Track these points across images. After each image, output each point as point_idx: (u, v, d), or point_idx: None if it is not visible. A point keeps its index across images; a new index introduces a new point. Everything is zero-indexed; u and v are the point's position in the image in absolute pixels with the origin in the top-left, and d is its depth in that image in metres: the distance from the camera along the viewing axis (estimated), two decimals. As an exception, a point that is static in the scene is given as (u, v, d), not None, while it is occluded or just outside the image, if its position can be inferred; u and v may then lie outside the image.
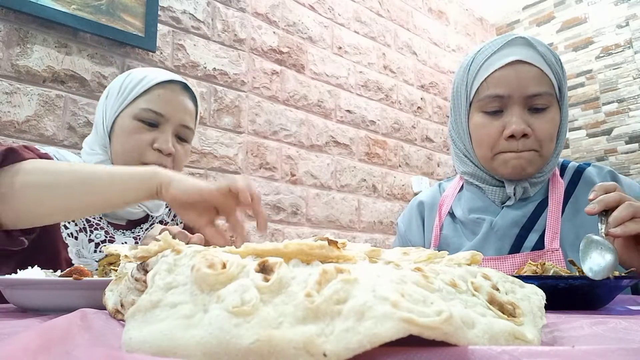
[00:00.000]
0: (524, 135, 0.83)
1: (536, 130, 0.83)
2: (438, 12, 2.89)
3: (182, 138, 0.94)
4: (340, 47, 2.30)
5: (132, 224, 0.95)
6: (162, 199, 0.66)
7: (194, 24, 1.78)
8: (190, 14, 1.77)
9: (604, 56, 2.75)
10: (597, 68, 2.76)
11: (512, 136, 0.83)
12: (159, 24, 1.66)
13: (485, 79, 0.86)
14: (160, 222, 0.99)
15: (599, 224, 0.63)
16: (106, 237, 0.89)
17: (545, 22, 3.04)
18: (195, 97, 0.98)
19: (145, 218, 0.97)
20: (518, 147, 0.83)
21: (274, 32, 2.04)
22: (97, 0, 1.51)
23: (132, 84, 0.92)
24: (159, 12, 1.67)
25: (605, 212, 0.63)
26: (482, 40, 3.17)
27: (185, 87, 0.96)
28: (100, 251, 0.86)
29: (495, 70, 0.85)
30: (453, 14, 3.00)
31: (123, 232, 0.92)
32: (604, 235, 0.60)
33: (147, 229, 0.96)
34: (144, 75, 0.93)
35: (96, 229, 0.88)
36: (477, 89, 0.87)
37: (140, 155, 0.89)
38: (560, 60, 0.88)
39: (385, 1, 2.57)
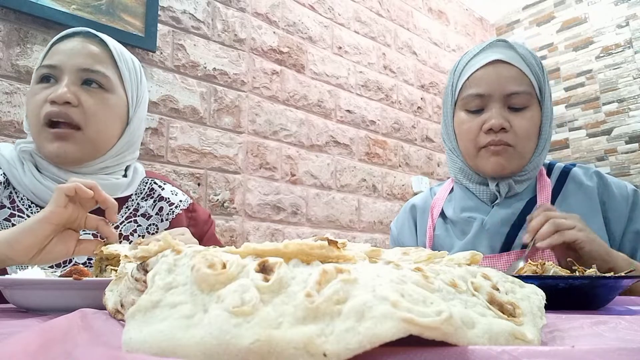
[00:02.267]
0: (502, 129, 0.87)
1: (515, 126, 0.88)
2: (438, 12, 2.89)
3: (91, 83, 0.82)
4: (340, 47, 2.30)
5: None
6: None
7: (194, 24, 1.78)
8: (190, 14, 1.77)
9: (604, 56, 2.75)
10: (597, 68, 2.76)
11: (491, 130, 0.88)
12: (159, 24, 1.66)
13: (468, 78, 0.91)
14: (143, 215, 0.92)
15: (527, 248, 0.78)
16: None
17: (545, 22, 3.04)
18: (104, 40, 0.86)
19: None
20: (496, 138, 0.88)
21: (274, 32, 2.04)
22: (97, 0, 1.51)
23: (43, 53, 0.85)
24: (159, 12, 1.67)
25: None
26: (482, 40, 3.17)
27: (90, 35, 0.86)
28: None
29: (477, 70, 0.90)
30: (453, 14, 3.00)
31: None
32: (526, 257, 0.77)
33: (122, 222, 0.88)
34: (53, 39, 0.86)
35: None
36: (461, 88, 0.93)
37: (39, 114, 0.79)
38: (541, 62, 0.92)
39: (385, 1, 2.57)
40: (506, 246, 0.88)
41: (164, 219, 0.93)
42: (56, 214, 0.61)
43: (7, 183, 0.81)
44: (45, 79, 0.80)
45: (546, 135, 0.92)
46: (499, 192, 0.92)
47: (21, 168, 0.80)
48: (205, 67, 1.79)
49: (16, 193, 0.81)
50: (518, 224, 0.89)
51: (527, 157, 0.90)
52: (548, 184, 0.92)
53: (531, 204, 0.90)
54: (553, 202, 0.90)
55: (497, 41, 0.92)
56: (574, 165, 0.97)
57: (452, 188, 1.03)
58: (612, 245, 0.85)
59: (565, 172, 0.95)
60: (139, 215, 0.91)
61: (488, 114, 0.89)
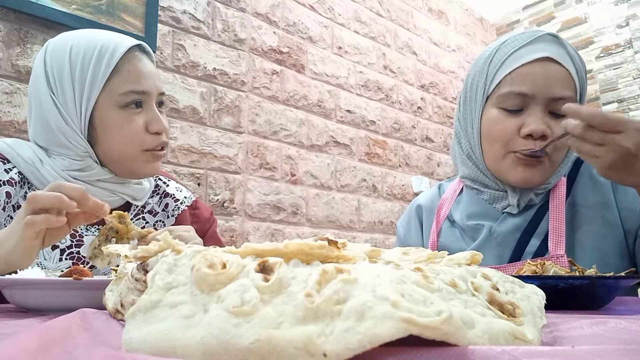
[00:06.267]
0: (542, 137, 0.79)
1: (555, 134, 0.79)
2: (438, 12, 2.89)
3: (162, 105, 0.87)
4: (340, 47, 2.30)
5: None
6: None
7: (194, 24, 1.78)
8: (190, 14, 1.77)
9: (604, 56, 2.75)
10: (597, 68, 2.76)
11: (529, 135, 0.79)
12: (159, 24, 1.66)
13: (510, 72, 0.81)
14: (150, 212, 0.91)
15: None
16: (72, 240, 0.79)
17: (545, 22, 3.04)
18: (151, 52, 0.88)
19: (126, 208, 0.88)
20: (535, 146, 0.79)
21: (274, 32, 2.04)
22: (97, 0, 1.51)
23: (91, 65, 0.78)
24: (159, 12, 1.67)
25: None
26: (482, 40, 3.17)
27: (141, 48, 0.85)
28: (66, 258, 0.78)
29: (522, 65, 0.80)
30: (453, 14, 3.00)
31: (98, 228, 0.81)
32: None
33: (132, 219, 0.88)
34: (96, 49, 0.79)
35: None
36: (499, 82, 0.82)
37: (141, 143, 0.82)
38: (585, 65, 0.84)
39: (385, 1, 2.57)
40: (516, 255, 0.82)
41: (170, 215, 0.94)
42: (27, 240, 0.58)
43: (23, 182, 0.79)
44: (135, 104, 0.81)
45: None
46: (518, 205, 0.85)
47: (40, 165, 0.79)
48: (205, 67, 1.79)
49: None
50: (529, 230, 0.83)
51: (555, 167, 0.84)
52: (562, 183, 0.86)
53: (543, 209, 0.84)
54: (566, 198, 0.84)
55: (545, 35, 0.82)
56: None
57: (462, 188, 0.97)
58: (628, 243, 0.80)
59: (577, 164, 0.89)
60: (146, 212, 0.91)
61: (528, 117, 0.79)
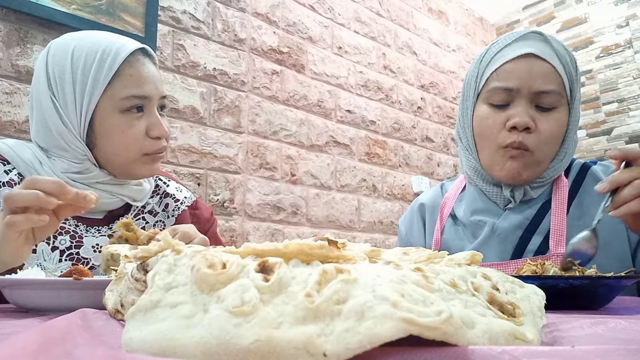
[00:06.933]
0: (527, 129, 0.81)
1: (540, 128, 0.81)
2: (438, 12, 2.89)
3: (161, 109, 0.86)
4: (340, 47, 2.30)
5: (109, 218, 0.84)
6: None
7: (194, 24, 1.78)
8: (190, 14, 1.77)
9: (604, 56, 2.75)
10: (597, 68, 2.76)
11: (514, 128, 0.81)
12: (159, 24, 1.66)
13: (496, 70, 0.84)
14: (150, 212, 0.91)
15: (604, 200, 0.67)
16: (72, 242, 0.78)
17: (545, 22, 3.04)
18: (154, 55, 0.87)
19: (126, 209, 0.87)
20: (518, 139, 0.81)
21: (274, 32, 2.04)
22: (97, 0, 1.51)
23: (93, 68, 0.77)
24: (159, 12, 1.67)
25: (615, 191, 0.66)
26: (482, 40, 3.17)
27: (144, 52, 0.84)
28: (66, 259, 0.77)
29: (507, 62, 0.83)
30: (453, 14, 3.00)
31: (98, 229, 0.82)
32: (604, 211, 0.66)
33: (132, 219, 0.88)
34: (98, 52, 0.78)
35: (60, 233, 0.77)
36: (487, 80, 0.86)
37: (141, 148, 0.81)
38: (575, 60, 0.85)
39: (385, 1, 2.57)
40: (518, 252, 0.83)
41: (170, 216, 0.93)
42: (10, 241, 0.58)
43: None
44: (136, 108, 0.80)
45: (571, 140, 0.86)
46: (513, 197, 0.86)
47: (40, 167, 0.78)
48: (205, 67, 1.79)
49: None
50: (531, 228, 0.84)
51: (545, 163, 0.84)
52: (564, 184, 0.86)
53: (546, 207, 0.85)
54: (570, 203, 0.84)
55: (532, 33, 0.85)
56: (595, 162, 0.91)
57: (465, 186, 0.98)
58: (630, 248, 0.80)
59: (584, 170, 0.89)
60: (146, 212, 0.91)
61: (513, 110, 0.82)
